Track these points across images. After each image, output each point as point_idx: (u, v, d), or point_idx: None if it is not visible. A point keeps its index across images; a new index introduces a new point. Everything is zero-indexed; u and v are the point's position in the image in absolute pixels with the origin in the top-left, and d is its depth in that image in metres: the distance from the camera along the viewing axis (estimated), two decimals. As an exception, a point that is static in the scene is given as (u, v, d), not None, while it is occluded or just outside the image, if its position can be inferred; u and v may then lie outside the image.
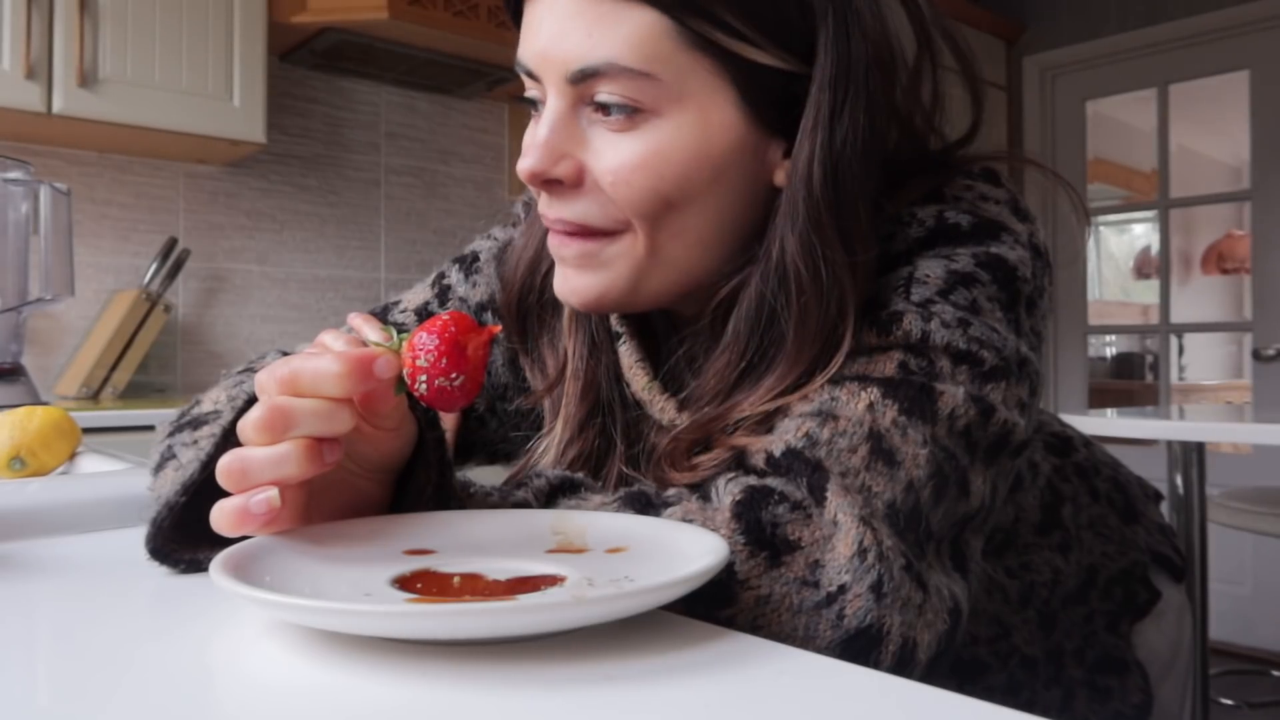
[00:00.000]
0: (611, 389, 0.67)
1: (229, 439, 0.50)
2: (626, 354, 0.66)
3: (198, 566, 0.51)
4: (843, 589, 0.45)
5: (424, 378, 0.45)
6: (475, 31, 2.44)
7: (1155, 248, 4.45)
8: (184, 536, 0.50)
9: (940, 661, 0.49)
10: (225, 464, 0.44)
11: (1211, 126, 4.33)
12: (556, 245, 0.60)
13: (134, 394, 2.32)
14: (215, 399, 0.64)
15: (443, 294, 0.75)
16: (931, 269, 0.57)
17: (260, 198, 2.65)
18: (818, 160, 0.55)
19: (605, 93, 0.54)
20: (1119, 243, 5.41)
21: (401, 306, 0.75)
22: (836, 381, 0.54)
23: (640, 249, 0.57)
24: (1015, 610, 0.71)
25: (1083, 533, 0.76)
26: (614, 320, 0.67)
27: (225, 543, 0.47)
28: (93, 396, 2.20)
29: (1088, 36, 3.52)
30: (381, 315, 0.74)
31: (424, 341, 0.45)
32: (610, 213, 0.57)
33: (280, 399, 0.44)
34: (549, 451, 0.67)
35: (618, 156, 0.55)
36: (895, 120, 0.61)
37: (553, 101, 0.56)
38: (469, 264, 0.76)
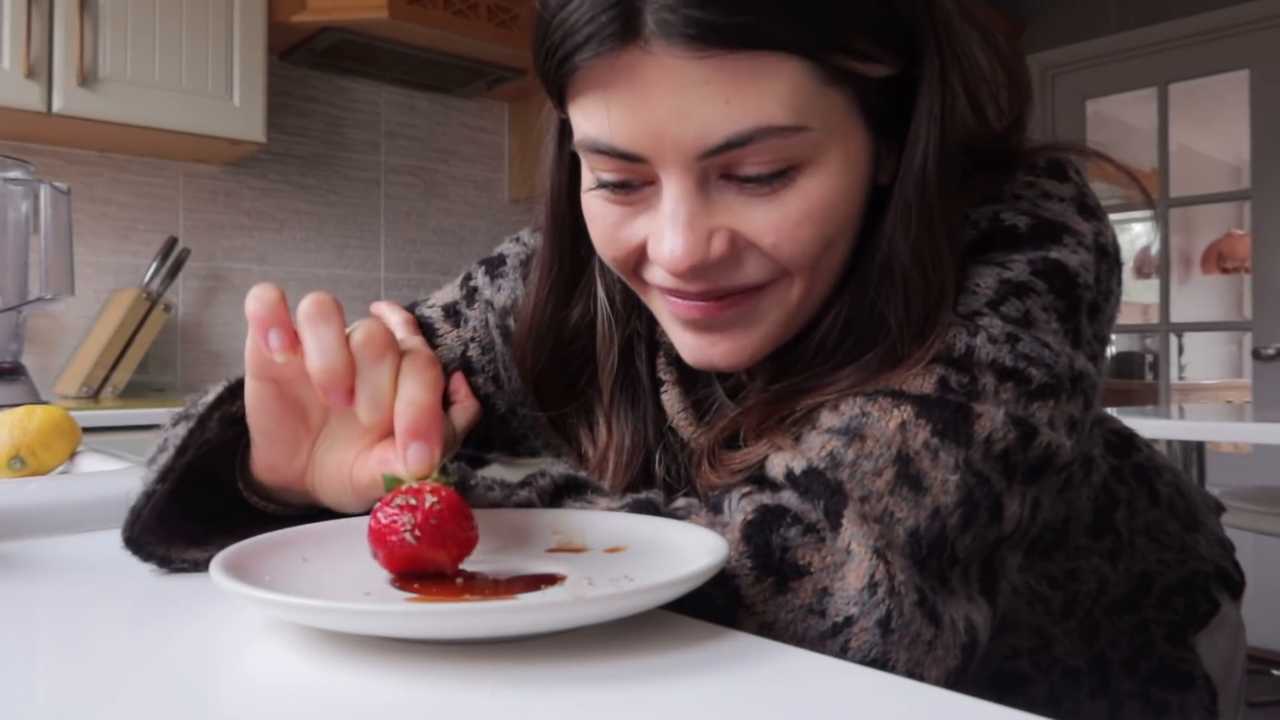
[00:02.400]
0: (655, 444, 0.64)
1: (203, 425, 0.51)
2: (670, 403, 0.64)
3: (168, 564, 0.50)
4: (849, 620, 0.44)
5: (409, 519, 0.42)
6: (475, 31, 2.45)
7: (1155, 247, 4.45)
8: (163, 530, 0.50)
9: (977, 674, 0.48)
10: (260, 289, 0.48)
11: (1211, 126, 4.33)
12: (700, 316, 0.54)
13: (134, 393, 2.32)
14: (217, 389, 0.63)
15: (470, 295, 0.75)
16: (983, 277, 0.54)
17: (260, 197, 2.65)
18: (932, 157, 0.53)
19: (751, 165, 0.49)
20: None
21: (430, 303, 0.76)
22: (870, 396, 0.51)
23: (795, 294, 0.54)
24: (1057, 621, 0.68)
25: (1136, 538, 0.72)
26: (661, 368, 0.65)
27: (202, 545, 0.47)
28: (93, 396, 2.20)
29: (1088, 36, 3.52)
30: (410, 310, 0.75)
31: (423, 502, 0.43)
32: (766, 267, 0.53)
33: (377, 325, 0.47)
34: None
35: (776, 215, 0.51)
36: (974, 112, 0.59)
37: (677, 182, 0.50)
38: (495, 267, 0.76)
